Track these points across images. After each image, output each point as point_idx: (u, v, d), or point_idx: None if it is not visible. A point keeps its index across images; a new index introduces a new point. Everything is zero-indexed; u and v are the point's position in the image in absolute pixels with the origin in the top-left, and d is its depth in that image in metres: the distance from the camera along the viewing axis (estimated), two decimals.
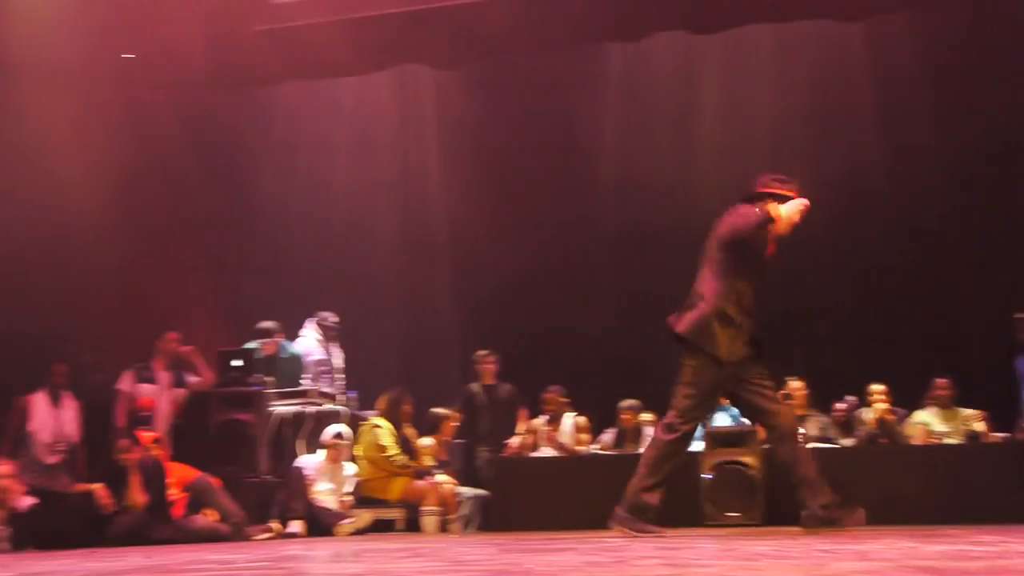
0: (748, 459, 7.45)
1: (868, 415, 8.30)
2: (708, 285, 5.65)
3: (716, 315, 5.57)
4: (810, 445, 7.95)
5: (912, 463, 7.61)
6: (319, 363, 9.03)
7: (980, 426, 8.12)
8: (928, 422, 8.31)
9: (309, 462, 8.13)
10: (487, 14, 8.99)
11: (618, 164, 10.69)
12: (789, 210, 5.70)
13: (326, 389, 8.89)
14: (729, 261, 5.66)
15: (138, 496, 7.00)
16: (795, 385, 8.41)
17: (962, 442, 7.96)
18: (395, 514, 8.18)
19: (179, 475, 7.34)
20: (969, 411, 8.26)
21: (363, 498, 8.19)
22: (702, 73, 10.60)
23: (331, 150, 11.12)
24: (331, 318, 9.24)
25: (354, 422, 8.64)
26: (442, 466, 8.46)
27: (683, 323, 5.64)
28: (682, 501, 7.51)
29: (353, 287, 10.65)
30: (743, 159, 10.39)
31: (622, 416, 8.93)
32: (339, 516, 7.87)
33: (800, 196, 5.76)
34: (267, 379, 8.66)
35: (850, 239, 9.95)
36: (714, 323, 5.57)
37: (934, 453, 7.83)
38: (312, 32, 9.53)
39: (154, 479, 7.10)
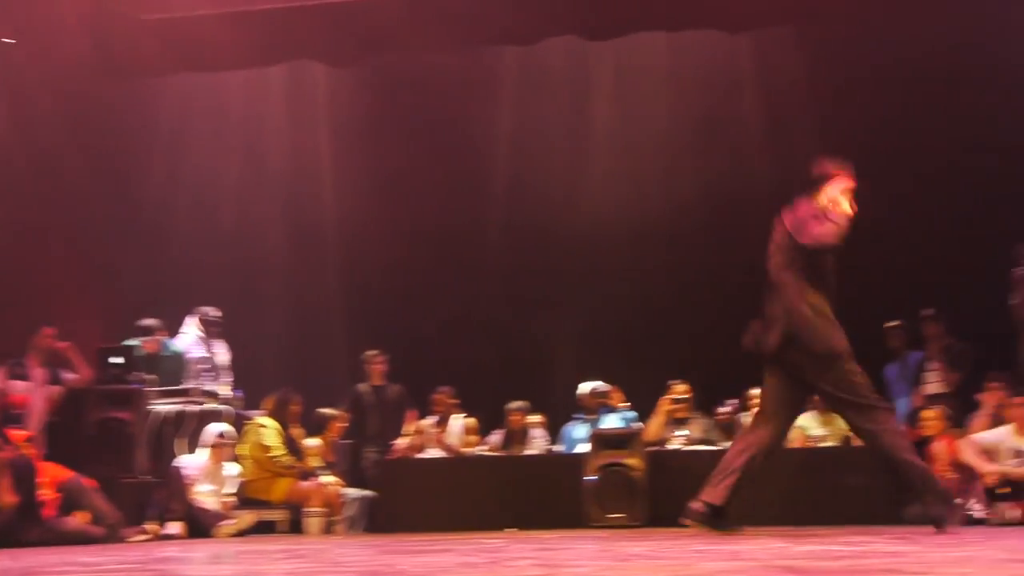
0: (632, 461, 7.53)
1: (748, 418, 8.47)
2: (790, 292, 5.48)
3: (814, 312, 5.45)
4: (692, 448, 8.15)
5: (789, 465, 7.76)
6: (201, 360, 8.84)
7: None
8: (806, 426, 8.51)
9: (190, 462, 7.95)
10: (381, 11, 8.91)
11: (511, 165, 10.71)
12: (837, 195, 5.52)
13: (208, 387, 8.71)
14: (806, 261, 5.49)
15: (7, 496, 6.75)
16: (680, 388, 8.54)
17: (837, 445, 8.18)
18: (279, 515, 8.08)
19: (51, 475, 7.10)
20: None
21: (247, 499, 8.05)
22: (595, 78, 10.71)
23: (219, 144, 10.84)
24: (213, 313, 9.04)
25: (239, 421, 8.49)
26: (328, 467, 8.38)
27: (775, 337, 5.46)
28: (567, 502, 7.60)
29: (241, 285, 10.45)
30: (634, 163, 10.56)
31: (510, 417, 8.94)
32: (220, 517, 7.72)
33: (852, 179, 5.62)
34: (148, 377, 8.44)
35: (733, 243, 10.17)
36: (815, 321, 5.45)
37: (811, 456, 8.02)
38: (202, 23, 9.31)
39: (25, 479, 6.85)
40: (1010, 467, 6.83)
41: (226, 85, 10.83)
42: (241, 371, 9.28)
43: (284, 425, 8.22)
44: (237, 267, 10.66)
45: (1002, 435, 7.17)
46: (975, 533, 5.72)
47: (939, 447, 7.36)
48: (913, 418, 7.77)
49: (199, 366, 8.80)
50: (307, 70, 10.75)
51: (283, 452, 8.03)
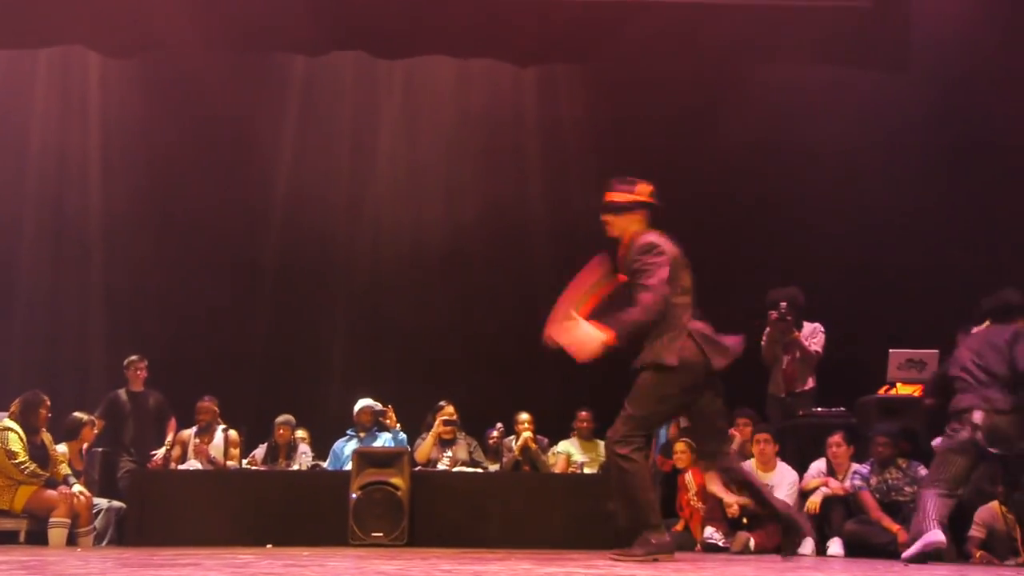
0: (396, 480, 7.52)
1: (515, 442, 8.62)
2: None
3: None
4: (456, 469, 8.22)
5: (551, 490, 7.95)
6: None
7: None
8: (569, 452, 8.76)
9: None
10: (166, 5, 8.58)
11: (291, 174, 10.52)
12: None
13: None
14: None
15: None
16: (448, 409, 8.59)
17: (598, 472, 8.43)
18: (19, 525, 7.59)
19: None
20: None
21: None
22: (382, 94, 10.72)
23: None
24: None
25: None
26: (78, 475, 7.95)
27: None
28: (331, 520, 7.50)
29: None
30: (416, 181, 10.64)
31: (277, 431, 8.76)
32: None
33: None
34: None
35: (509, 266, 10.38)
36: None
37: (573, 481, 8.24)
38: None
39: None
40: None
41: None
42: None
43: (31, 429, 7.75)
44: None
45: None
46: (715, 560, 6.02)
47: (689, 477, 7.71)
48: (667, 449, 8.11)
49: None
50: (79, 57, 10.22)
51: (26, 459, 7.56)
